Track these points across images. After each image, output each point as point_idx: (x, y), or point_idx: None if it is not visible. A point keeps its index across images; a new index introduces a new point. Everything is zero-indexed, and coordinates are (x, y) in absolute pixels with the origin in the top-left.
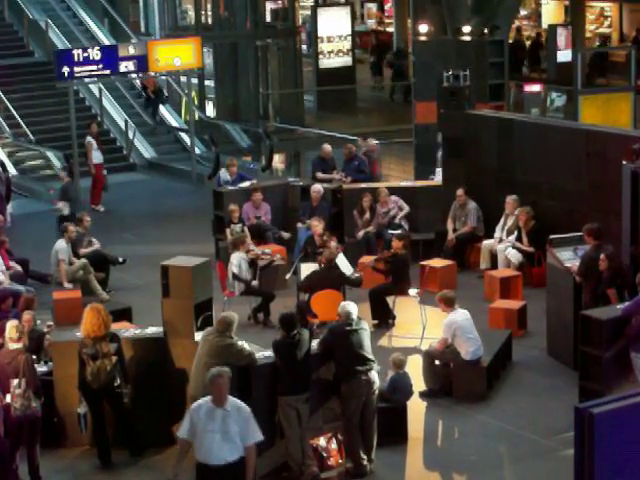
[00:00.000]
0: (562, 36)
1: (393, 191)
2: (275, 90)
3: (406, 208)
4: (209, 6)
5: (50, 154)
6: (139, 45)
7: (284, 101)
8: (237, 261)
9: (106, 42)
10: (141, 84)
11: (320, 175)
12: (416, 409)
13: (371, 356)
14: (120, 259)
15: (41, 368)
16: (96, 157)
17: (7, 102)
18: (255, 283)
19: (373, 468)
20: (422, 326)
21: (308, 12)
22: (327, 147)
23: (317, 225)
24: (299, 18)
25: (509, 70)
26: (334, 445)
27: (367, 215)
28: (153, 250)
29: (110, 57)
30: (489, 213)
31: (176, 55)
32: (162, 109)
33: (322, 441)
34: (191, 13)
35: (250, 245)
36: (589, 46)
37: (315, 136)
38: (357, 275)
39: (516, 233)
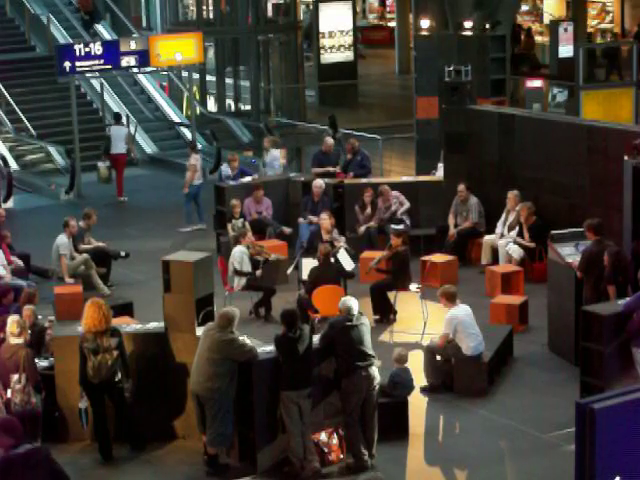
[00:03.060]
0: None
1: (394, 186)
2: (276, 85)
3: (406, 204)
4: (211, 1)
5: (52, 149)
6: (140, 40)
7: (285, 96)
8: (239, 255)
9: (107, 37)
10: (76, 8)
11: (315, 170)
12: (417, 404)
13: (371, 351)
14: (122, 253)
15: (42, 363)
16: (120, 147)
17: (9, 97)
18: (259, 272)
19: (374, 463)
20: (423, 321)
21: (309, 7)
22: (329, 140)
23: (325, 219)
24: (300, 13)
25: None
26: (335, 440)
27: (368, 210)
28: (154, 245)
29: (111, 52)
30: (490, 208)
31: (177, 50)
32: (100, 27)
33: (323, 436)
34: (193, 8)
35: (251, 238)
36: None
37: (316, 131)
38: (357, 273)
39: (517, 228)
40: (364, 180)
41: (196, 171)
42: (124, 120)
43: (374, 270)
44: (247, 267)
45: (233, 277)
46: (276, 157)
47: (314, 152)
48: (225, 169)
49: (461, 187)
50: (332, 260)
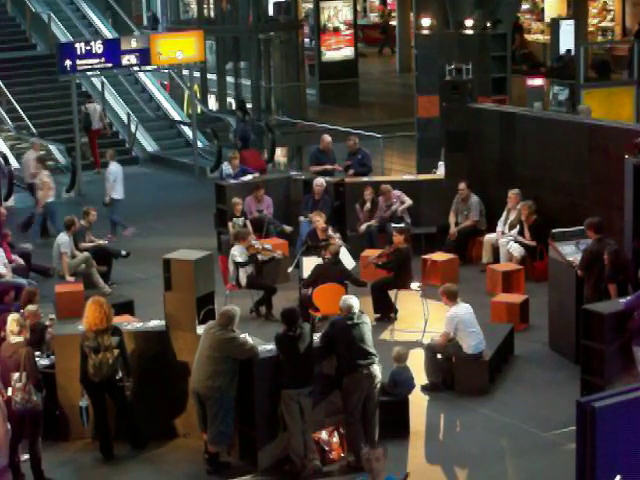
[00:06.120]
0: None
1: (395, 185)
2: (277, 83)
3: (408, 201)
4: None
5: (52, 147)
6: (141, 38)
7: (286, 94)
8: (239, 252)
9: (108, 35)
10: None
11: (314, 168)
12: (418, 403)
13: (373, 350)
14: (123, 252)
15: (42, 361)
16: (96, 123)
17: (9, 95)
18: (261, 257)
19: None
20: (424, 320)
21: (311, 5)
22: (326, 137)
23: (319, 220)
24: (302, 11)
25: None
26: (336, 439)
27: (368, 205)
28: (155, 243)
29: (112, 50)
30: (491, 207)
31: (178, 48)
32: None
33: (324, 435)
34: (194, 6)
35: (252, 241)
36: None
37: (317, 130)
38: (357, 272)
39: (518, 227)
40: (365, 178)
41: (50, 189)
42: (125, 119)
43: (373, 265)
44: (247, 266)
45: (235, 275)
46: (112, 171)
47: (311, 150)
48: (226, 167)
49: (462, 185)
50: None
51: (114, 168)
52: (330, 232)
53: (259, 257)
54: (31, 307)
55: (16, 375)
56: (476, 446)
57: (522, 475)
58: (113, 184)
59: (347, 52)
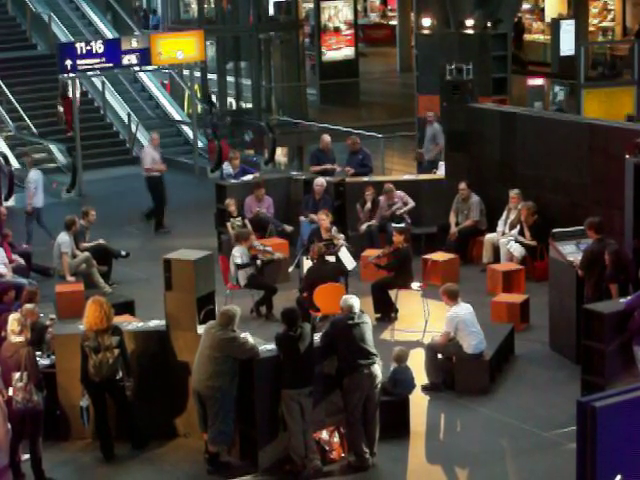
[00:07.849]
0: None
1: (396, 185)
2: (278, 83)
3: (411, 203)
4: None
5: (53, 147)
6: (142, 38)
7: (287, 94)
8: (239, 253)
9: (109, 35)
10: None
11: (314, 168)
12: (418, 403)
13: (373, 350)
14: (123, 252)
15: (43, 361)
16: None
17: (10, 95)
18: (259, 262)
19: (375, 461)
20: (424, 320)
21: (311, 5)
22: (326, 137)
23: (324, 219)
24: (302, 11)
25: None
26: (336, 438)
27: (368, 204)
28: (156, 243)
29: (113, 50)
30: (492, 207)
31: (179, 48)
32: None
33: (324, 434)
34: (194, 6)
35: (253, 242)
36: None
37: (318, 129)
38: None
39: (519, 227)
40: (365, 178)
41: None
42: (125, 119)
43: (373, 265)
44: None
45: (235, 275)
46: (32, 179)
47: (311, 150)
48: (226, 167)
49: (462, 185)
50: (333, 259)
51: (34, 176)
52: (334, 232)
53: (259, 257)
54: (28, 306)
55: (17, 375)
56: (476, 446)
57: (522, 475)
58: (34, 192)
59: (347, 52)
